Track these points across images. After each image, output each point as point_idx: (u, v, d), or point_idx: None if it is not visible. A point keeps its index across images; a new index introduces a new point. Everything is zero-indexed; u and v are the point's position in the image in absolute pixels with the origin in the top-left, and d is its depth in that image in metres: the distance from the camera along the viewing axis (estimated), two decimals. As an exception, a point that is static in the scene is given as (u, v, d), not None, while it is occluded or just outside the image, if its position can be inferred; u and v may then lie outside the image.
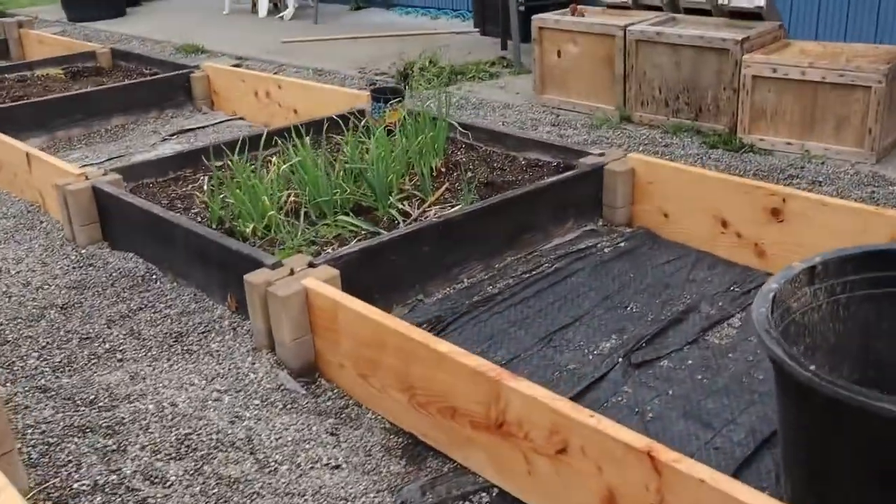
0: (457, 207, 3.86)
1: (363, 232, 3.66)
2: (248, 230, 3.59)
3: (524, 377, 2.40)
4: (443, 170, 4.36)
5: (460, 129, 4.79)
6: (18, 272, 4.09)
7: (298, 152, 4.00)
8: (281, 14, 10.50)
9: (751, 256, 3.66)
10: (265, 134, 4.71)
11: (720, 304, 3.37)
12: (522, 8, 6.89)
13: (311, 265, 3.15)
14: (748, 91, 4.87)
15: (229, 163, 4.20)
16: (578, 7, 5.78)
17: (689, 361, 3.02)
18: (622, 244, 3.88)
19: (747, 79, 4.87)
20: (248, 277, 3.11)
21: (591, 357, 3.08)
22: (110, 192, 4.07)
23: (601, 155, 4.11)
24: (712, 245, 3.78)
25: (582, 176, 3.99)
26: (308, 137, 4.32)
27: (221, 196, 3.75)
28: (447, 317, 3.37)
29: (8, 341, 3.48)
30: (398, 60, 7.05)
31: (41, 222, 4.65)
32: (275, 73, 7.77)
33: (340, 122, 4.98)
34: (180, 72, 6.81)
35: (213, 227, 3.75)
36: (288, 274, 3.10)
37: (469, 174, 4.29)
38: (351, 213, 3.80)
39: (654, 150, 4.99)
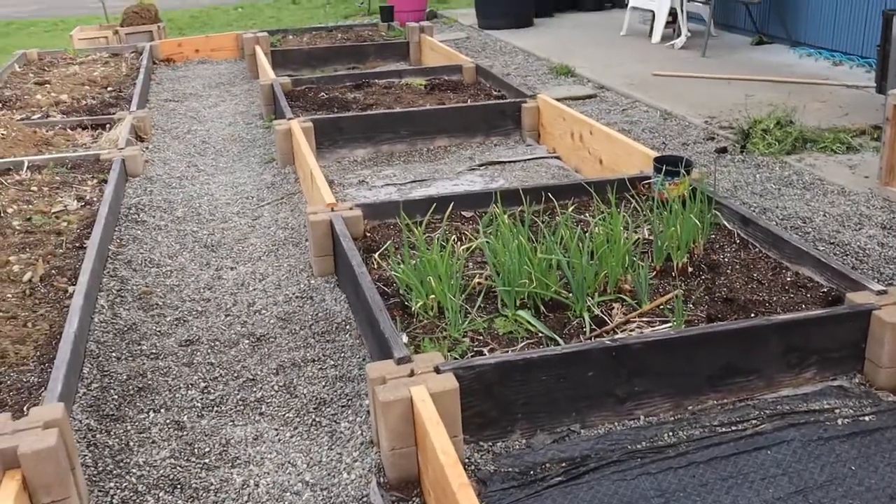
0: (664, 327, 3.24)
1: (539, 335, 3.21)
2: (416, 306, 3.32)
3: None
4: (689, 269, 3.71)
5: (738, 221, 4.06)
6: (254, 289, 4.25)
7: (496, 230, 3.62)
8: (672, 42, 9.94)
9: None
10: (520, 191, 4.39)
11: (954, 549, 2.43)
12: (910, 72, 5.69)
13: (436, 370, 2.81)
14: None
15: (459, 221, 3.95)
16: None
17: None
18: (869, 418, 2.98)
19: None
20: (368, 367, 2.86)
21: (728, 573, 2.38)
22: (338, 229, 4.04)
23: (881, 293, 3.21)
24: None
25: (839, 318, 3.13)
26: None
27: (414, 263, 3.51)
28: (593, 460, 2.83)
29: (192, 363, 3.60)
30: (740, 115, 6.24)
31: (306, 240, 4.79)
32: (623, 110, 7.35)
33: (614, 187, 4.50)
34: (514, 100, 6.68)
35: (400, 291, 3.54)
36: (407, 374, 2.80)
37: (720, 279, 3.61)
38: (542, 307, 3.36)
39: None
